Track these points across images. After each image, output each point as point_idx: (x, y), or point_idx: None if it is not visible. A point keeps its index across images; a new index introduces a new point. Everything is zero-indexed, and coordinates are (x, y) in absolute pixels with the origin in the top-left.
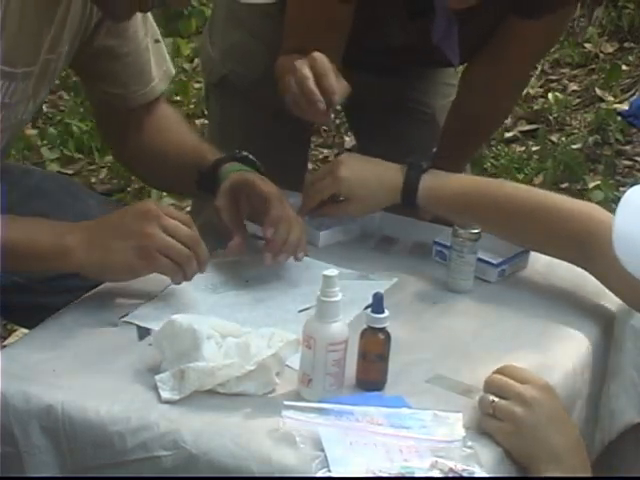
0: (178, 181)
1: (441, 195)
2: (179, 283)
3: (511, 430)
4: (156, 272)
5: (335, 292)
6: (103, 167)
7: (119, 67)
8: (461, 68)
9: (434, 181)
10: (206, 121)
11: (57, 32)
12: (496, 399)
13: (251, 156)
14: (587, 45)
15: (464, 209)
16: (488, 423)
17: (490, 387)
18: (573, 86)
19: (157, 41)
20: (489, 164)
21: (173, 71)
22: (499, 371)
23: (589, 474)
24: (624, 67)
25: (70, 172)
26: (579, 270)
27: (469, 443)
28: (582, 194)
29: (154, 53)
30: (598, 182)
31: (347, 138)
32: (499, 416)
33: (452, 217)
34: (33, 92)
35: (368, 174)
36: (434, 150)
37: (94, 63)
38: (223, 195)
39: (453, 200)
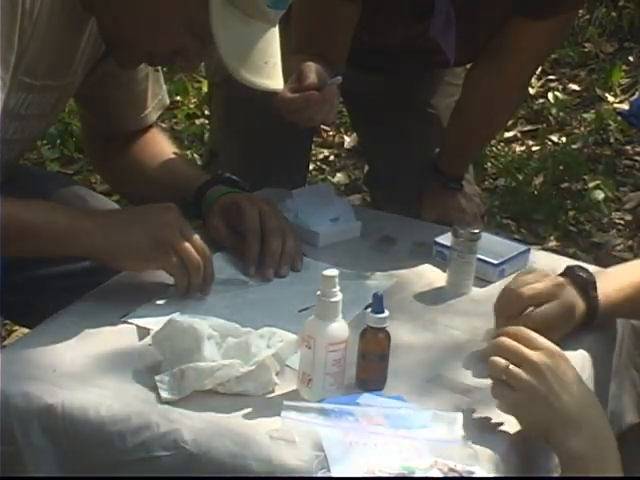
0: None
1: (618, 300)
2: (181, 293)
3: (525, 400)
4: (164, 269)
5: (335, 292)
6: None
7: (117, 93)
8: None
9: (605, 287)
10: (206, 121)
11: (78, 55)
12: (510, 365)
13: (234, 177)
14: (587, 45)
15: None
16: (501, 392)
17: (501, 350)
18: (573, 86)
19: (156, 70)
20: (489, 164)
21: (167, 101)
22: (510, 334)
23: (612, 437)
24: (624, 67)
25: (70, 172)
26: None
27: (469, 443)
28: (582, 194)
29: (152, 81)
30: (598, 182)
31: (347, 138)
32: (513, 384)
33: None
34: (51, 110)
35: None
36: (437, 150)
37: (95, 88)
38: (213, 215)
39: (631, 299)
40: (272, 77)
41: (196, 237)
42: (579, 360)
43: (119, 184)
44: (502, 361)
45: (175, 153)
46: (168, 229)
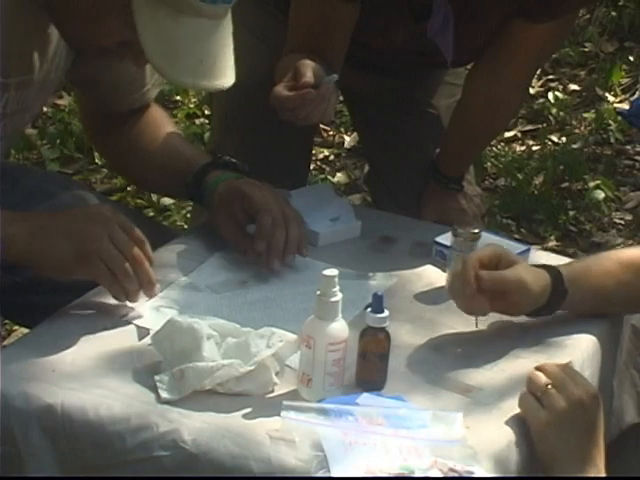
0: (166, 185)
1: (585, 287)
2: (121, 300)
3: (548, 421)
4: (92, 278)
5: (335, 292)
6: (103, 167)
7: (113, 73)
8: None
9: (573, 275)
10: (206, 121)
11: (52, 45)
12: (550, 385)
13: (234, 160)
14: (587, 45)
15: (610, 293)
16: (529, 403)
17: (548, 374)
18: (573, 86)
19: None
20: (489, 164)
21: None
22: (560, 367)
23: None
24: (624, 67)
25: (70, 172)
26: None
27: (469, 443)
28: (582, 194)
29: None
30: (598, 182)
31: (347, 138)
32: (543, 402)
33: (599, 308)
34: (32, 103)
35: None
36: (437, 151)
37: (88, 72)
38: (217, 211)
39: (598, 287)
40: (209, 77)
41: (127, 243)
42: (590, 346)
43: (120, 165)
44: (544, 379)
45: (175, 133)
46: (92, 239)
